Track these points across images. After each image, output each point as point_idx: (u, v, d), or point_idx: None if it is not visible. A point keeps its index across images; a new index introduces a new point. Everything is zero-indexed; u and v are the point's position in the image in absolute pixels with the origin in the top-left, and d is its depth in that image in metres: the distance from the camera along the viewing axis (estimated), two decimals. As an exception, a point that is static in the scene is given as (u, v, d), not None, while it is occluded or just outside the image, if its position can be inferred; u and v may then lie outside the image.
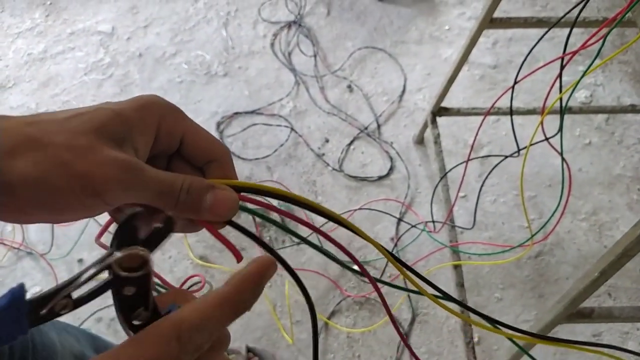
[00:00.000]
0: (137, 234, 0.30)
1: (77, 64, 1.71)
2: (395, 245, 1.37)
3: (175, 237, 1.36)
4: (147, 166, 0.32)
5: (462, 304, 0.41)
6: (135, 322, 0.29)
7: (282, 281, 1.31)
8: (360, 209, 1.41)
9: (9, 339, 0.27)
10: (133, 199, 0.31)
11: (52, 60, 1.72)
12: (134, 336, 0.28)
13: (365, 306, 1.30)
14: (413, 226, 1.37)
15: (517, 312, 1.30)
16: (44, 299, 0.28)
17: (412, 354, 0.45)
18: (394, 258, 0.37)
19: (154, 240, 0.31)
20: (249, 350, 1.20)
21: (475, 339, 1.25)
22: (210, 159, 0.35)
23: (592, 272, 0.71)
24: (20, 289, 0.27)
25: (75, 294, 0.29)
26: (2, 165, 0.29)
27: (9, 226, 1.41)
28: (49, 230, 1.39)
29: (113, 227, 0.32)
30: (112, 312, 1.29)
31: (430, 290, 0.40)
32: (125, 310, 0.29)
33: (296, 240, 1.38)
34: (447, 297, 0.39)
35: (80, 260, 1.36)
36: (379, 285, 0.40)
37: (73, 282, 0.29)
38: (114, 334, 1.26)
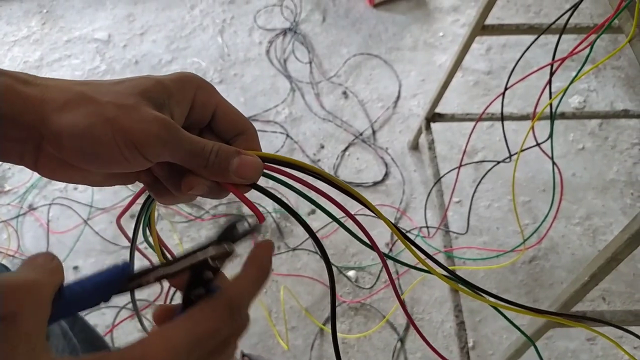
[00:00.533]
0: (232, 232, 0.33)
1: (74, 71, 1.72)
2: (390, 250, 1.37)
3: (180, 240, 1.36)
4: (183, 129, 0.34)
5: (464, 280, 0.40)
6: (192, 297, 0.32)
7: (278, 287, 1.31)
8: (355, 214, 1.41)
9: (101, 300, 0.31)
10: (169, 156, 0.34)
11: (49, 68, 1.73)
12: (189, 313, 0.30)
13: (360, 312, 1.31)
14: (408, 231, 1.38)
15: (511, 316, 1.30)
16: (139, 273, 0.31)
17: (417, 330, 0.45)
18: (399, 232, 0.39)
19: (240, 237, 0.33)
20: (244, 355, 1.20)
21: (470, 344, 1.26)
22: (237, 133, 0.38)
23: (582, 276, 0.71)
24: (127, 264, 0.31)
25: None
26: (53, 117, 0.32)
27: (4, 233, 1.41)
28: (44, 238, 1.40)
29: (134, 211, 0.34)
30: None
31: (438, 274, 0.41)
32: (191, 288, 0.32)
33: (291, 246, 1.38)
34: (453, 275, 0.39)
35: (75, 268, 1.36)
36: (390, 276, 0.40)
37: (166, 266, 0.32)
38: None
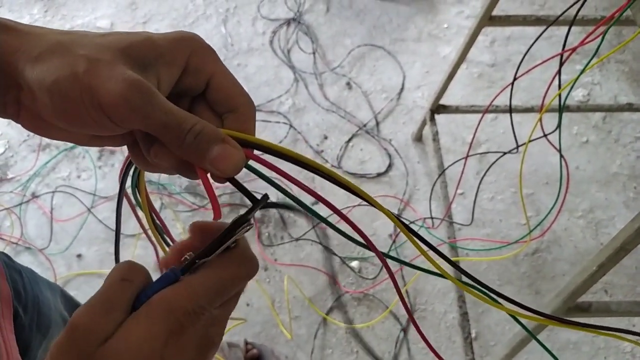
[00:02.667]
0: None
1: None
2: (394, 241, 1.37)
3: (174, 235, 1.36)
4: (161, 96, 0.30)
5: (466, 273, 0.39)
6: (197, 262, 0.32)
7: (281, 277, 1.32)
8: (359, 205, 1.42)
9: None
10: (139, 124, 0.30)
11: (51, 56, 1.72)
12: (143, 310, 0.29)
13: (363, 302, 1.31)
14: (411, 222, 1.38)
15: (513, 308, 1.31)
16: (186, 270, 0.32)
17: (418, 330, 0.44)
18: (401, 224, 0.35)
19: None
20: (247, 343, 1.21)
21: (473, 335, 1.26)
22: (232, 108, 0.34)
23: (590, 265, 0.72)
24: (176, 271, 0.31)
25: None
26: (27, 68, 0.30)
27: (7, 221, 1.41)
28: (48, 226, 1.40)
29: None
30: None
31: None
32: (203, 255, 0.31)
33: (295, 236, 1.38)
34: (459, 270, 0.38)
35: (79, 256, 1.36)
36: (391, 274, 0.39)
37: (205, 255, 0.31)
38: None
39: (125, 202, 0.41)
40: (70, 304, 0.79)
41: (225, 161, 0.31)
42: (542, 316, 0.39)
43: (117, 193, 0.41)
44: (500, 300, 0.39)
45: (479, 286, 0.36)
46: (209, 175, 0.32)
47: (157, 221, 0.43)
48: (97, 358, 0.28)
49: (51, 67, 0.30)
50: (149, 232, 0.44)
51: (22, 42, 0.31)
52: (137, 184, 0.38)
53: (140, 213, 0.42)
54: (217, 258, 0.31)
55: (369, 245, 0.36)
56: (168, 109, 0.30)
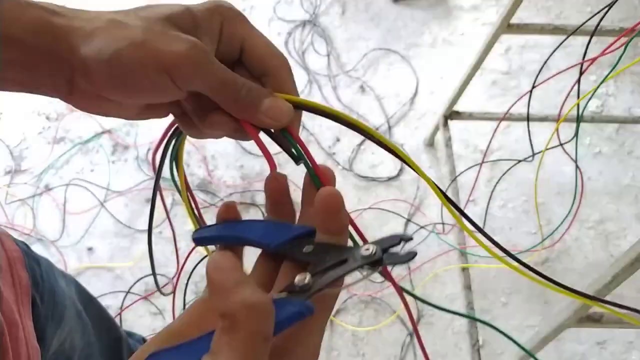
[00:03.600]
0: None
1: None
2: (403, 246, 1.37)
3: (185, 230, 1.37)
4: (215, 58, 0.32)
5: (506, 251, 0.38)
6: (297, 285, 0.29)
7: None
8: (369, 208, 1.42)
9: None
10: (200, 84, 0.32)
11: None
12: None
13: (371, 305, 1.31)
14: (422, 227, 1.38)
15: (522, 317, 1.31)
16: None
17: (421, 346, 0.44)
18: (445, 198, 0.36)
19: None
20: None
21: (480, 342, 1.26)
22: (267, 69, 0.35)
23: (605, 276, 0.72)
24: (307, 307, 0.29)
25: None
26: (81, 45, 0.31)
27: (20, 212, 1.42)
28: (60, 218, 1.41)
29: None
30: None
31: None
32: (325, 284, 0.29)
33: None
34: (492, 241, 0.37)
35: (90, 249, 1.37)
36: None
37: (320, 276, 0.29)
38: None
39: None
40: (84, 296, 0.79)
41: (277, 110, 0.33)
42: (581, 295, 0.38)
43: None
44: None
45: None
46: (260, 133, 0.34)
47: (190, 197, 0.43)
48: None
49: (108, 40, 0.31)
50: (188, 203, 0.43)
51: (73, 22, 0.31)
52: (177, 158, 0.40)
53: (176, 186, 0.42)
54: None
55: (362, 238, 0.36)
56: (225, 69, 0.32)
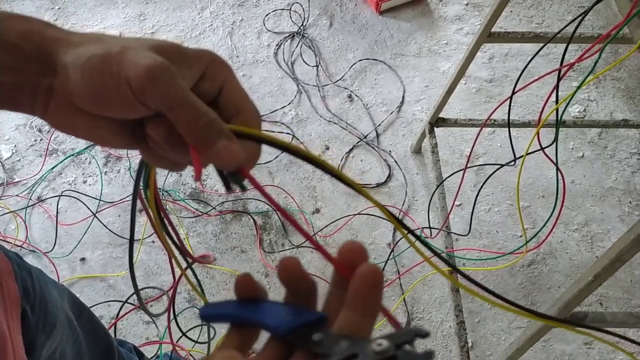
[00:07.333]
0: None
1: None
2: (392, 250, 1.40)
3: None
4: (183, 82, 0.33)
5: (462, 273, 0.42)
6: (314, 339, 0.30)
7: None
8: (359, 214, 1.44)
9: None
10: (158, 99, 0.32)
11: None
12: None
13: (362, 310, 1.33)
14: (410, 231, 1.40)
15: (510, 318, 1.33)
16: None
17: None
18: (397, 221, 0.37)
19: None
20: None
21: (469, 344, 1.28)
22: (239, 111, 0.36)
23: (586, 275, 0.74)
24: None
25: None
26: (66, 52, 0.33)
27: (12, 224, 1.43)
28: (52, 229, 1.42)
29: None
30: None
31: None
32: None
33: (295, 243, 1.41)
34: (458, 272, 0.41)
35: (82, 259, 1.38)
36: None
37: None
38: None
39: (125, 211, 0.43)
40: (76, 305, 0.80)
41: (232, 154, 0.33)
42: (542, 317, 0.40)
43: (124, 197, 0.42)
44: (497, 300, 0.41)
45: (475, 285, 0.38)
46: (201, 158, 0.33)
47: (165, 219, 0.44)
48: None
49: (88, 49, 0.33)
50: (164, 234, 0.45)
51: (65, 34, 0.34)
52: (147, 182, 0.40)
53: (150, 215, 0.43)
54: None
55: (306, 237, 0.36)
56: (188, 91, 0.33)
